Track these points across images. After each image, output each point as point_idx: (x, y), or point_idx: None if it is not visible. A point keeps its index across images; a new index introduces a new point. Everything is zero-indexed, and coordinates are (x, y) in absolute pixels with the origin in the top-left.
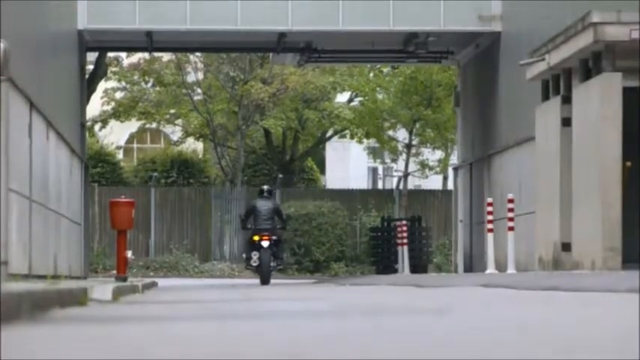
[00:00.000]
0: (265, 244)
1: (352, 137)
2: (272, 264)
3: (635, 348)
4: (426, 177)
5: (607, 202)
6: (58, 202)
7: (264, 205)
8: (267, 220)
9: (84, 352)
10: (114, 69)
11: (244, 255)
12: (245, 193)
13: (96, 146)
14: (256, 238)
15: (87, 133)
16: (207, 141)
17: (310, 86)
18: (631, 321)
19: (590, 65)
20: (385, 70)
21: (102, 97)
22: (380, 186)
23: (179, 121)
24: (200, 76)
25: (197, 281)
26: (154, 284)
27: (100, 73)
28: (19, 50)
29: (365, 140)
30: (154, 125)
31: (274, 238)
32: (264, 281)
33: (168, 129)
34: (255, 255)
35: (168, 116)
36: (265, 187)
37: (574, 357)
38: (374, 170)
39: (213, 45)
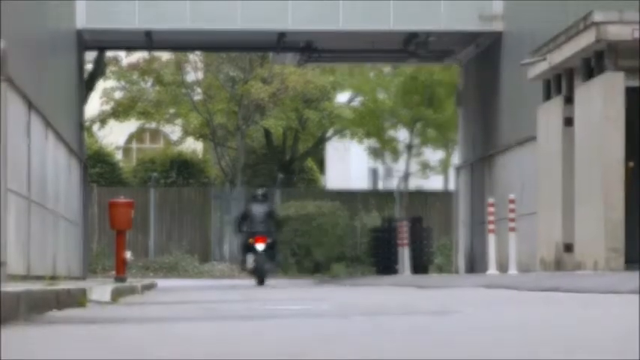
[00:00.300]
0: (260, 247)
1: (352, 137)
2: (267, 266)
3: (635, 348)
4: (427, 177)
5: (609, 203)
6: (56, 202)
7: (259, 209)
8: (262, 224)
9: (83, 352)
10: (113, 68)
11: (240, 257)
12: (245, 193)
13: (95, 146)
14: (252, 241)
15: (86, 133)
16: (207, 141)
17: (310, 86)
18: (632, 322)
19: (592, 65)
20: (386, 70)
21: (101, 97)
22: (380, 186)
23: (179, 121)
24: (200, 75)
25: (197, 282)
26: (153, 285)
27: (98, 72)
28: (17, 50)
29: (365, 140)
30: (154, 125)
31: (269, 241)
32: (260, 283)
33: (167, 129)
34: (250, 258)
35: (167, 116)
36: (259, 191)
37: (574, 357)
38: (374, 170)
39: (213, 44)
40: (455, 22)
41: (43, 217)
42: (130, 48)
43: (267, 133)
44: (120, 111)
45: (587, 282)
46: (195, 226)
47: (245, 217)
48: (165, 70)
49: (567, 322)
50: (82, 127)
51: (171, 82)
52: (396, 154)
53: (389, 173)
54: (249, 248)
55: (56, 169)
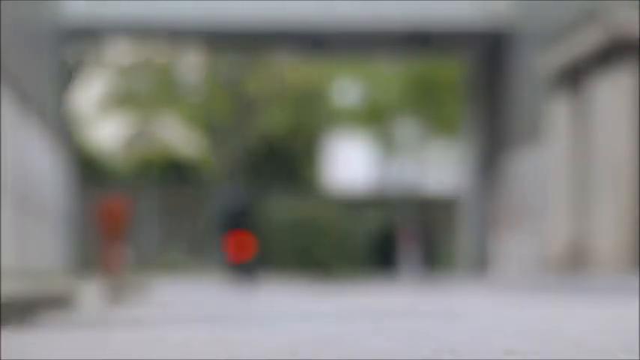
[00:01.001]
0: (240, 262)
1: (354, 135)
2: (252, 273)
3: (636, 348)
4: (431, 176)
5: (621, 201)
6: (48, 199)
7: (237, 209)
8: (241, 223)
9: (80, 353)
10: (108, 59)
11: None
12: (244, 193)
13: (90, 144)
14: (230, 247)
15: (80, 131)
16: (206, 140)
17: (310, 84)
18: (633, 322)
19: (602, 60)
20: (389, 69)
21: (94, 91)
22: (383, 186)
23: (176, 120)
24: (198, 73)
25: (194, 282)
26: (149, 286)
27: (92, 67)
28: (7, 41)
29: (367, 139)
30: (151, 124)
31: (249, 251)
32: (250, 286)
33: (165, 127)
34: (233, 272)
35: (165, 115)
36: (238, 191)
37: (575, 357)
38: (376, 170)
39: (212, 36)
40: (460, 18)
41: (35, 215)
42: (124, 34)
43: (267, 132)
44: (115, 106)
45: (596, 282)
46: (192, 226)
47: (225, 217)
48: (164, 67)
49: (570, 322)
50: (72, 122)
51: (169, 81)
52: (399, 152)
53: (391, 172)
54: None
55: (47, 164)
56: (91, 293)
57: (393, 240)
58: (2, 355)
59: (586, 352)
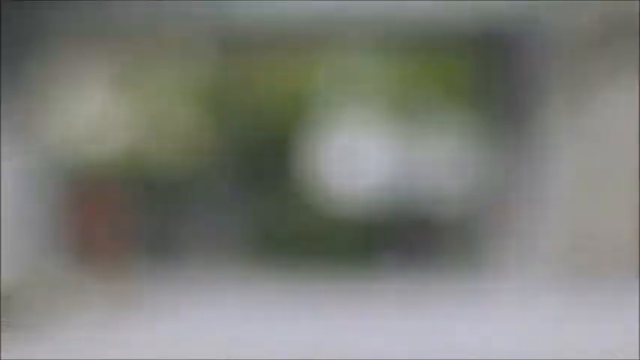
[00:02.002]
0: None
1: (356, 135)
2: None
3: (636, 349)
4: (436, 175)
5: (624, 200)
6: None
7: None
8: None
9: (78, 353)
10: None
11: None
12: (243, 194)
13: (84, 143)
14: None
15: (81, 132)
16: (207, 142)
17: (313, 85)
18: (634, 322)
19: (603, 55)
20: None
21: (97, 93)
22: (383, 186)
23: (176, 121)
24: (201, 76)
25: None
26: (137, 287)
27: (95, 68)
28: None
29: (372, 137)
30: (151, 126)
31: None
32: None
33: (164, 128)
34: None
35: (164, 116)
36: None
37: (575, 358)
38: (380, 170)
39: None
40: (466, 16)
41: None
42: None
43: (260, 134)
44: (117, 107)
45: (602, 281)
46: (178, 223)
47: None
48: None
49: (570, 323)
50: (51, 113)
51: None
52: (403, 152)
53: (396, 173)
54: None
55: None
56: (86, 292)
57: (395, 240)
58: (2, 356)
59: (586, 353)
